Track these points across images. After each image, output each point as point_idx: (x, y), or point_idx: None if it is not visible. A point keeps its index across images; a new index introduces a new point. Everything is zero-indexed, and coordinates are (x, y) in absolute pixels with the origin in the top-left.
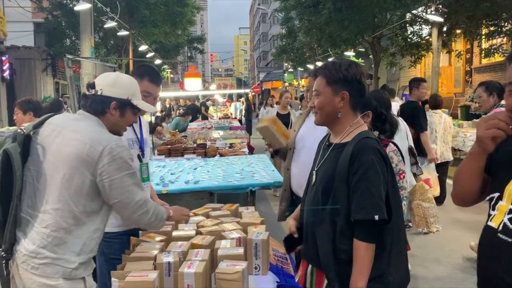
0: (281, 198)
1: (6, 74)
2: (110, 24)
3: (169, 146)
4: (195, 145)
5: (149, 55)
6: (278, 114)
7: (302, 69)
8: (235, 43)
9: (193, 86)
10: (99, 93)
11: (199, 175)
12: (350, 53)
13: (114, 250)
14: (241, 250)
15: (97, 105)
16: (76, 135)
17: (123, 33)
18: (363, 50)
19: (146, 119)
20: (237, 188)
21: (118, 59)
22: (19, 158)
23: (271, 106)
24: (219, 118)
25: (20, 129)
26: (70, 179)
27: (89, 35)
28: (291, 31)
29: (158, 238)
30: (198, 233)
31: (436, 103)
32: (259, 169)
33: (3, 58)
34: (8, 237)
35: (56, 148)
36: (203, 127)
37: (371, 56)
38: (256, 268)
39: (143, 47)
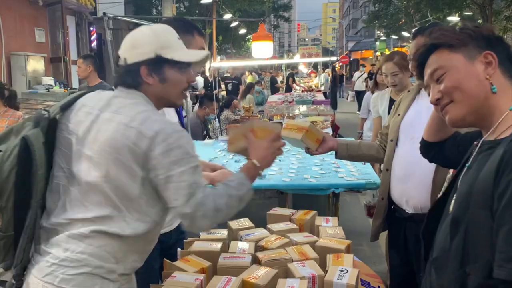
0: (376, 209)
1: (94, 44)
2: None
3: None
4: (270, 123)
5: (233, 24)
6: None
7: (396, 37)
8: (323, 10)
9: (262, 51)
10: (122, 63)
11: None
12: (454, 18)
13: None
14: None
15: (127, 79)
16: (119, 117)
17: (206, 1)
18: (471, 14)
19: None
20: (314, 189)
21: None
22: (42, 150)
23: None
24: (302, 91)
25: (45, 110)
26: (115, 178)
27: (171, 3)
28: None
29: (196, 268)
30: (256, 260)
31: None
32: (346, 162)
33: (91, 28)
34: (20, 258)
35: (93, 137)
36: (283, 101)
37: (480, 21)
38: None
39: (227, 16)
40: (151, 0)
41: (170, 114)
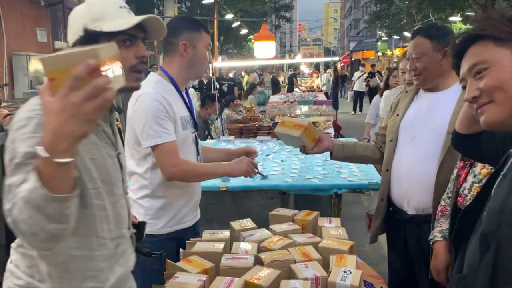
0: (375, 210)
1: None
2: None
3: (241, 125)
4: (271, 123)
5: (235, 24)
6: None
7: (397, 37)
8: (325, 10)
9: (264, 52)
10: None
11: (269, 165)
12: (456, 18)
13: (154, 259)
14: None
15: None
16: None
17: (208, 1)
18: (473, 14)
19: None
20: (317, 189)
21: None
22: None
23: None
24: (303, 91)
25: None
26: None
27: (173, 3)
28: None
29: (199, 269)
30: (258, 261)
31: None
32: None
33: None
34: None
35: None
36: (285, 101)
37: None
38: None
39: (228, 16)
40: (153, 0)
41: (178, 106)
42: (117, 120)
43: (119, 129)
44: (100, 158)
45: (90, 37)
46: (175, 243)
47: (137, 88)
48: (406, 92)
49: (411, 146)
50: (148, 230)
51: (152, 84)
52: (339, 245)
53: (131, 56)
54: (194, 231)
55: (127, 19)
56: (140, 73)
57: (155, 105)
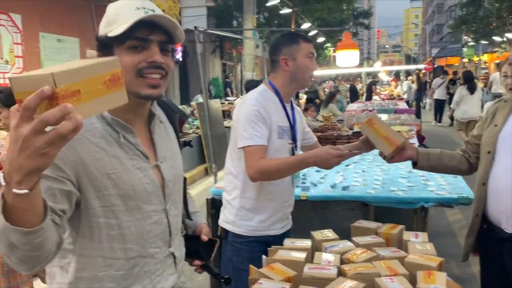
0: (469, 227)
1: (179, 56)
2: (273, 2)
3: (319, 134)
4: (350, 132)
5: (312, 33)
6: None
7: (486, 42)
8: (405, 16)
9: (347, 60)
10: None
11: (350, 176)
12: None
13: (242, 259)
14: None
15: None
16: None
17: (286, 11)
18: None
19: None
20: (401, 202)
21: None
22: None
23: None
24: (383, 99)
25: None
26: None
27: (251, 15)
28: None
29: (282, 277)
30: (341, 272)
31: None
32: (435, 174)
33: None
34: None
35: None
36: (363, 109)
37: None
38: None
39: (305, 25)
40: (232, 12)
41: (277, 116)
42: (187, 124)
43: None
44: (122, 172)
45: (104, 44)
46: (264, 247)
47: (155, 97)
48: (505, 101)
49: (510, 159)
50: (238, 230)
51: (256, 93)
52: (427, 261)
53: (140, 61)
54: (282, 241)
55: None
56: (152, 80)
57: (252, 110)
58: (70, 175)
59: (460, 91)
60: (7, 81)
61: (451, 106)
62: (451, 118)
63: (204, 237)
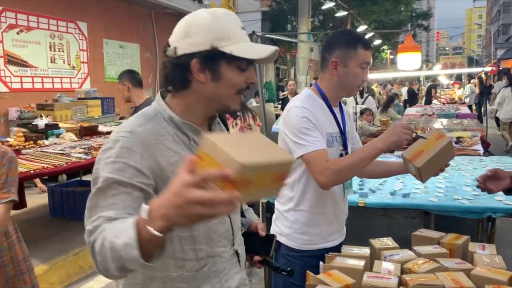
0: None
1: None
2: (328, 4)
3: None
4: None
5: (368, 35)
6: None
7: None
8: (467, 17)
9: (409, 63)
10: (171, 53)
11: (411, 183)
12: None
13: (294, 275)
14: None
15: (175, 76)
16: None
17: (341, 13)
18: None
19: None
20: (467, 211)
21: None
22: None
23: None
24: (443, 103)
25: None
26: None
27: (306, 18)
28: None
29: (340, 284)
30: (402, 282)
31: None
32: None
33: None
34: None
35: None
36: (422, 114)
37: None
38: None
39: (361, 28)
40: (287, 16)
41: (326, 122)
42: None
43: None
44: None
45: (214, 54)
46: (317, 261)
47: (237, 110)
48: None
49: None
50: (292, 244)
51: (301, 99)
52: (495, 274)
53: (241, 80)
54: (338, 251)
55: (258, 48)
56: (243, 96)
57: (300, 118)
58: (152, 180)
59: (503, 92)
60: (74, 86)
61: (494, 106)
62: (496, 119)
63: (262, 233)
